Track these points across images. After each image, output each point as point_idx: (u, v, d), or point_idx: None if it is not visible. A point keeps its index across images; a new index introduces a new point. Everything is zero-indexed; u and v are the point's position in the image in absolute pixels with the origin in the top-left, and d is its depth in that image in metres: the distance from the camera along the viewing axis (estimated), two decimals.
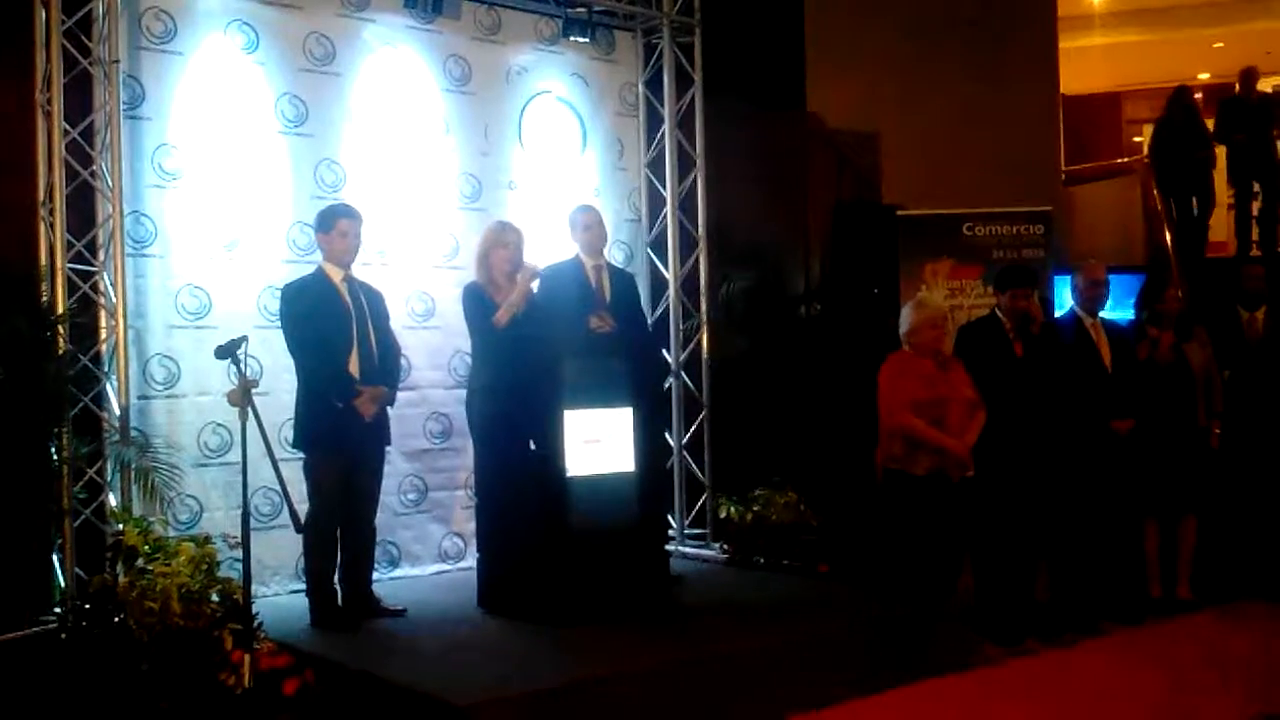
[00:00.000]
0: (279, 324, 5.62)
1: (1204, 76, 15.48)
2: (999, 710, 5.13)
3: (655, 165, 7.71)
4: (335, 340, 5.44)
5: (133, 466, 5.35)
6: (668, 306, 7.61)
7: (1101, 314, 6.61)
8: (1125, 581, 6.50)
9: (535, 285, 6.08)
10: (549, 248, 6.65)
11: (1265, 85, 10.85)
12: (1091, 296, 6.54)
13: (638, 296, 6.74)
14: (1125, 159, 12.73)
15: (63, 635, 4.84)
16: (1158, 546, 6.64)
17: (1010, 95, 9.55)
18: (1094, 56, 13.87)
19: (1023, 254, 8.31)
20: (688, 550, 7.32)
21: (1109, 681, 5.47)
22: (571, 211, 6.40)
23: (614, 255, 7.20)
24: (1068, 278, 6.84)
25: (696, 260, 7.66)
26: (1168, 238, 9.99)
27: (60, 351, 5.33)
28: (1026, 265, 7.28)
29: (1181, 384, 6.61)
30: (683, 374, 7.59)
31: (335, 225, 5.56)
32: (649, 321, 7.33)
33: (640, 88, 7.73)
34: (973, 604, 5.95)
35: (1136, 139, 15.07)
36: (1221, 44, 14.64)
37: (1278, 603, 6.64)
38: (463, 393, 6.37)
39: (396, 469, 6.41)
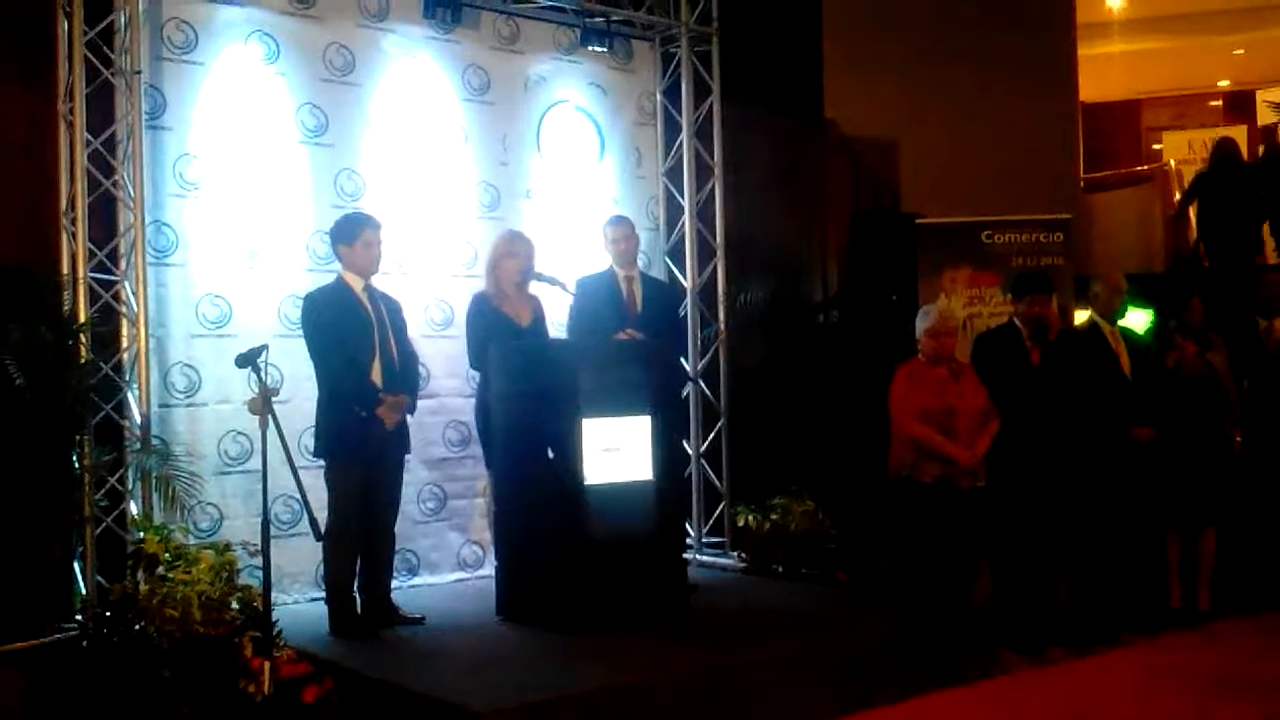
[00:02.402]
0: (299, 332, 5.65)
1: (1224, 84, 15.42)
2: None
3: (673, 174, 7.71)
4: (358, 349, 5.46)
5: (154, 474, 5.38)
6: (685, 315, 7.60)
7: (1120, 322, 6.59)
8: (1145, 592, 6.47)
9: (570, 294, 6.13)
10: (567, 257, 6.68)
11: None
12: (1110, 304, 6.52)
13: (673, 304, 6.77)
14: (1145, 166, 12.67)
15: (84, 643, 4.86)
16: (1179, 557, 6.61)
17: (1029, 102, 9.52)
18: (1113, 64, 13.80)
19: (1042, 262, 8.26)
20: (706, 559, 7.31)
21: (1128, 692, 5.43)
22: (604, 224, 6.45)
23: None
24: (1086, 285, 6.82)
25: (714, 269, 7.65)
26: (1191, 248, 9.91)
27: (82, 360, 5.37)
28: (1042, 272, 7.25)
29: (1210, 394, 6.58)
30: (700, 382, 7.58)
31: (361, 235, 5.55)
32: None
33: (658, 96, 7.73)
34: (994, 613, 5.93)
35: (1156, 146, 15.01)
36: (1241, 51, 14.57)
37: None
38: None
39: (416, 477, 6.42)
